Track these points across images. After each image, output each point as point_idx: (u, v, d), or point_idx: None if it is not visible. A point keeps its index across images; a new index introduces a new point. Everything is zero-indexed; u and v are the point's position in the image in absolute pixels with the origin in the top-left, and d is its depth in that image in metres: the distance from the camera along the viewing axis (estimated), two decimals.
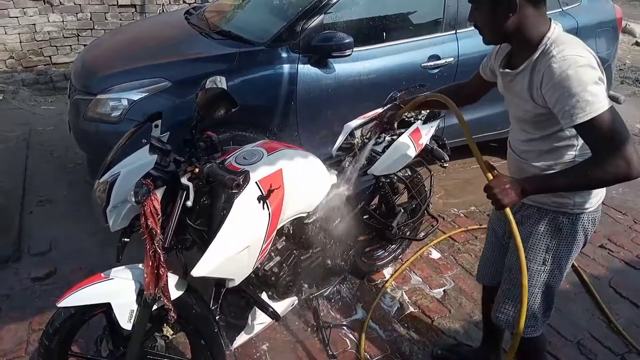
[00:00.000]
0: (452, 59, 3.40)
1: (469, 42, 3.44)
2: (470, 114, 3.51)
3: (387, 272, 2.86)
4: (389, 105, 2.15)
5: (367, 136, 2.53)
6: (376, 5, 3.38)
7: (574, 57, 1.35)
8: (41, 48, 5.85)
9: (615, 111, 1.35)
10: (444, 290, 2.76)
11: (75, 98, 3.01)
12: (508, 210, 1.49)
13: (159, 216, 1.50)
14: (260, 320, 2.03)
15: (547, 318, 1.78)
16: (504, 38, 1.53)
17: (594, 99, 1.31)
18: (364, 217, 2.37)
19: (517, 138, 1.66)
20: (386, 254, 2.83)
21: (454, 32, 3.46)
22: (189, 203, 1.57)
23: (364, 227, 2.43)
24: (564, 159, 1.55)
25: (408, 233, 2.73)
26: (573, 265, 2.94)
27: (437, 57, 3.37)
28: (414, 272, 2.89)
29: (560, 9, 3.83)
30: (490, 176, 1.51)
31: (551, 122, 1.46)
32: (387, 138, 2.51)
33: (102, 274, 1.65)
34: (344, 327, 2.46)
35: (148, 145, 1.55)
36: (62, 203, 3.40)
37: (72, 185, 3.60)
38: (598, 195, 1.61)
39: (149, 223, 1.48)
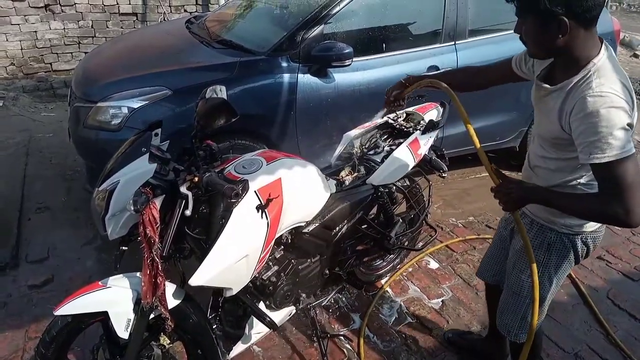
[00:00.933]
0: (451, 69, 3.41)
1: (468, 53, 3.47)
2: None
3: (385, 282, 2.85)
4: (393, 86, 2.14)
5: (367, 145, 2.54)
6: (376, 16, 3.40)
7: (610, 96, 1.32)
8: (42, 55, 5.87)
9: (635, 161, 1.33)
10: (442, 301, 2.76)
11: (76, 105, 3.02)
12: (516, 214, 1.57)
13: (158, 225, 1.50)
14: (257, 330, 2.02)
15: (540, 322, 1.86)
16: (550, 55, 1.50)
17: (617, 143, 1.30)
18: (363, 226, 2.37)
19: (534, 151, 1.68)
20: (384, 263, 2.83)
21: (452, 43, 3.48)
22: (188, 212, 1.57)
23: (362, 237, 2.43)
24: (568, 185, 1.56)
25: (406, 243, 2.73)
26: (571, 277, 2.94)
27: (436, 68, 3.38)
28: (412, 282, 2.88)
29: None
30: (496, 179, 1.57)
31: (569, 148, 1.46)
32: (387, 148, 2.52)
33: (99, 282, 1.65)
34: (342, 337, 2.45)
35: (148, 153, 1.56)
36: (61, 210, 3.40)
37: (71, 193, 3.60)
38: (592, 222, 1.61)
39: (148, 232, 1.48)
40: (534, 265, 1.58)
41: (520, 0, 1.39)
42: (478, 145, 1.61)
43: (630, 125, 1.33)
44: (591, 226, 1.62)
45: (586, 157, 1.35)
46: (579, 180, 1.55)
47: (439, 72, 1.98)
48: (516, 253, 1.79)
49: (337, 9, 3.10)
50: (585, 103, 1.34)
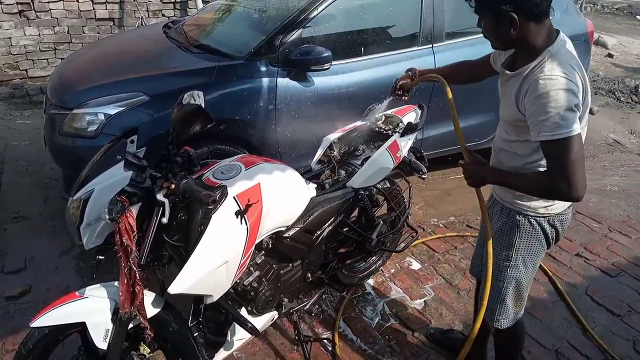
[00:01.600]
0: None
1: (445, 55, 3.50)
2: (449, 126, 3.57)
3: (368, 284, 2.86)
4: (402, 76, 2.26)
5: (346, 148, 2.55)
6: (354, 20, 3.42)
7: (559, 78, 1.43)
8: (17, 62, 5.77)
9: (579, 140, 1.43)
10: (424, 301, 2.77)
11: (51, 112, 2.97)
12: (479, 190, 1.75)
13: (134, 233, 1.49)
14: (239, 336, 2.01)
15: (519, 310, 1.91)
16: (509, 46, 1.62)
17: (563, 123, 1.40)
18: (344, 229, 2.37)
19: (499, 136, 1.78)
20: (367, 265, 2.83)
21: (430, 46, 3.51)
22: (165, 220, 1.55)
23: (343, 240, 2.44)
24: (529, 165, 1.65)
25: (388, 245, 2.74)
26: (547, 275, 2.99)
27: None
28: (394, 283, 2.89)
29: None
30: (467, 157, 1.73)
31: (528, 130, 1.54)
32: (366, 150, 2.53)
33: (76, 293, 1.62)
34: (325, 341, 2.45)
35: (123, 161, 1.54)
36: (38, 219, 3.34)
37: (48, 201, 3.54)
38: (557, 204, 1.70)
39: (124, 240, 1.46)
40: (490, 242, 1.74)
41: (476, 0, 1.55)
42: (459, 127, 1.78)
43: (577, 106, 1.43)
44: (556, 209, 1.71)
45: (535, 135, 1.46)
46: (540, 162, 1.62)
47: (443, 66, 2.21)
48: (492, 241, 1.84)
49: (316, 12, 3.11)
50: (537, 85, 1.45)
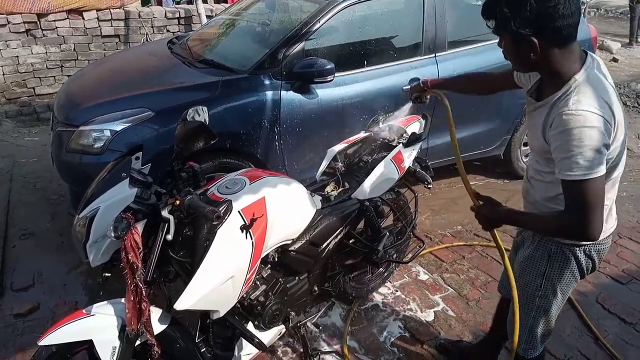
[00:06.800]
0: None
1: (448, 65, 3.51)
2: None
3: (376, 296, 2.84)
4: (412, 85, 2.25)
5: (351, 160, 2.55)
6: (356, 31, 3.44)
7: (585, 115, 1.33)
8: (24, 80, 5.85)
9: (601, 182, 1.37)
10: (433, 312, 2.75)
11: (58, 130, 3.00)
12: (495, 232, 1.70)
13: (140, 250, 1.49)
14: (247, 351, 2.00)
15: (545, 339, 1.83)
16: (530, 70, 1.54)
17: (585, 164, 1.33)
18: (350, 241, 2.36)
19: (531, 164, 1.72)
20: (374, 277, 2.82)
21: (433, 55, 3.52)
22: (169, 236, 1.56)
23: (350, 252, 2.43)
24: (561, 197, 1.54)
25: (395, 256, 2.73)
26: None
27: (418, 80, 3.41)
28: (402, 294, 2.87)
29: None
30: (476, 202, 1.69)
31: None
32: (371, 161, 2.53)
33: (83, 310, 1.62)
34: (334, 354, 2.43)
35: (128, 178, 1.55)
36: (46, 236, 3.36)
37: (55, 217, 3.56)
38: (557, 236, 1.63)
39: (130, 257, 1.47)
40: (510, 272, 1.69)
41: (494, 20, 1.42)
42: (463, 172, 1.79)
43: (606, 146, 1.35)
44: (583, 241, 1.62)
45: (557, 172, 1.40)
46: None
47: (453, 76, 2.21)
48: (520, 265, 1.79)
49: (318, 25, 3.13)
50: (561, 120, 1.36)
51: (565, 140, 1.35)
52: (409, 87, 2.27)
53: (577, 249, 1.62)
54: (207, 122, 1.75)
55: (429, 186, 2.58)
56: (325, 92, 3.17)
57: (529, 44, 1.37)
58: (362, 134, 2.62)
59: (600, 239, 1.60)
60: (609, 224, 1.65)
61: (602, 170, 1.35)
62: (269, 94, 3.03)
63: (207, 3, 7.20)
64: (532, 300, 1.75)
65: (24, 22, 5.60)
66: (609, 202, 1.57)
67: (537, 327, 1.78)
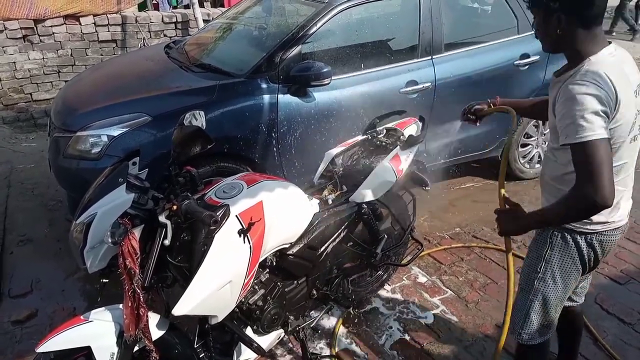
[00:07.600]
0: (429, 83, 3.46)
1: (445, 67, 3.52)
2: (451, 137, 3.58)
3: (375, 299, 2.84)
4: (478, 102, 2.17)
5: (348, 163, 2.55)
6: (353, 34, 3.44)
7: (587, 84, 1.42)
8: (22, 85, 5.84)
9: (605, 145, 1.39)
10: (432, 314, 2.75)
11: (55, 135, 3.00)
12: (508, 240, 1.75)
13: (138, 255, 1.49)
14: (245, 356, 2.00)
15: (547, 330, 1.83)
16: (555, 48, 1.62)
17: (588, 125, 1.38)
18: (348, 244, 2.36)
19: (548, 145, 1.77)
20: (372, 280, 2.81)
21: (429, 57, 3.52)
22: (167, 242, 1.56)
23: (348, 255, 2.43)
24: (570, 178, 1.53)
25: (393, 258, 2.73)
26: None
27: (415, 83, 3.42)
28: (401, 296, 2.87)
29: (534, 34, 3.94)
30: (504, 205, 1.70)
31: None
32: (368, 164, 2.53)
33: (81, 317, 1.62)
34: (333, 358, 2.43)
35: (125, 184, 1.55)
36: (44, 242, 3.35)
37: (53, 223, 3.55)
38: (592, 219, 1.62)
39: (127, 263, 1.46)
40: (510, 255, 1.74)
41: None
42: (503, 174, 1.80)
43: (605, 112, 1.41)
44: (593, 225, 1.63)
45: (562, 139, 1.45)
46: None
47: (526, 99, 2.28)
48: (528, 251, 1.84)
49: (315, 28, 3.13)
50: (566, 89, 1.45)
51: (568, 107, 1.42)
52: (475, 105, 2.18)
53: (578, 235, 1.66)
54: (204, 127, 1.75)
55: (427, 188, 2.58)
56: (322, 96, 3.17)
57: (557, 19, 1.49)
58: (360, 137, 2.62)
59: (603, 228, 1.64)
60: (614, 215, 1.64)
61: (604, 133, 1.39)
62: (266, 97, 3.03)
63: (204, 7, 7.22)
64: (531, 282, 1.78)
65: (21, 28, 5.59)
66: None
67: (533, 312, 1.78)
